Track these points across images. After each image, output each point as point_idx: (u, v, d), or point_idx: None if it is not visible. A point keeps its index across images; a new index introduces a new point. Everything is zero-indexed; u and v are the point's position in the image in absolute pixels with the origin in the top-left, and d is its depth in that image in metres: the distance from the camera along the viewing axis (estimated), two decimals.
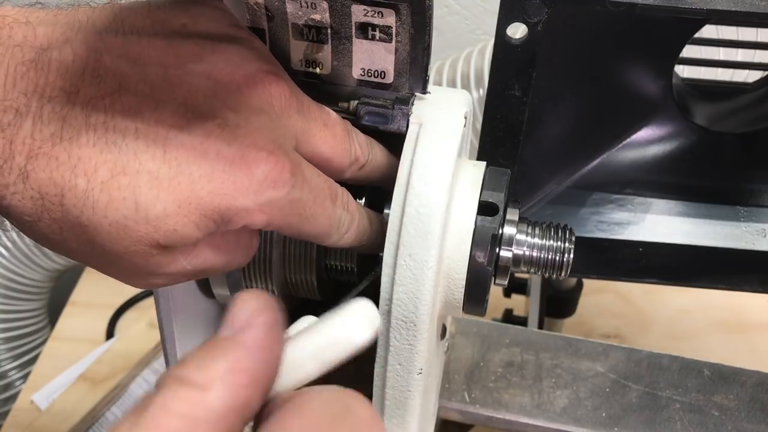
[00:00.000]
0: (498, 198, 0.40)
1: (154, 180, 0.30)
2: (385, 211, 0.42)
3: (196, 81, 0.32)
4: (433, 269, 0.37)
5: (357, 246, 0.40)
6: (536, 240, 0.42)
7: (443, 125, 0.38)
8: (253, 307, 0.25)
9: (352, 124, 0.39)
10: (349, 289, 0.47)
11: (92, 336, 1.01)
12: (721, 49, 0.71)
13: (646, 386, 0.58)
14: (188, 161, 0.30)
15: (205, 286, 0.44)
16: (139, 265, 0.31)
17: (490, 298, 0.41)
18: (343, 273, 0.44)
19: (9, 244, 0.97)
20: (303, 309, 0.35)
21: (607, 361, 0.60)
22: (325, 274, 0.44)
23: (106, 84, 0.30)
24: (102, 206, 0.29)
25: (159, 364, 0.94)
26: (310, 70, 0.40)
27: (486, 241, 0.39)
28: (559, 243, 0.42)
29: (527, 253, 0.42)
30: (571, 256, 0.42)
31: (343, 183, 0.38)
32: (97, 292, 1.06)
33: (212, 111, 0.31)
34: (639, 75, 0.57)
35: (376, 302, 0.38)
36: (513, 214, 0.42)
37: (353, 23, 0.37)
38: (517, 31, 0.46)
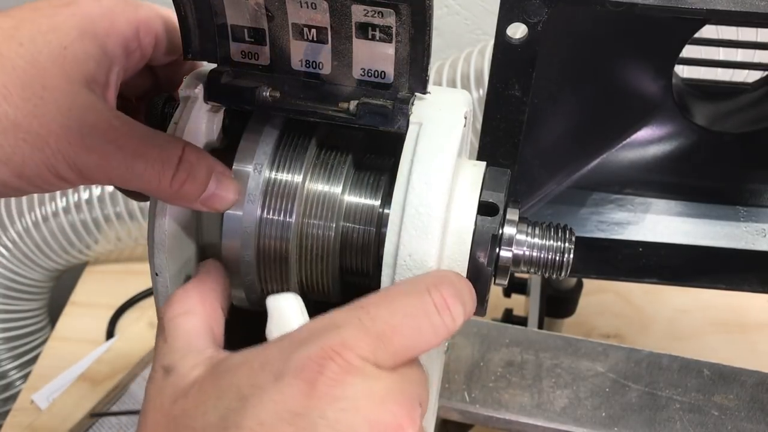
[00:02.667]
0: (498, 198, 0.40)
1: None
2: (385, 210, 0.42)
3: None
4: (433, 269, 0.37)
5: None
6: (536, 240, 0.42)
7: (443, 125, 0.38)
8: None
9: (352, 124, 0.39)
10: (366, 292, 0.46)
11: (92, 336, 1.01)
12: (721, 49, 0.71)
13: (645, 386, 0.58)
14: None
15: None
16: None
17: (490, 298, 0.41)
18: (359, 276, 0.43)
19: (9, 244, 0.97)
20: (319, 311, 0.35)
21: (607, 361, 0.60)
22: (342, 276, 0.44)
23: None
24: None
25: None
26: (310, 70, 0.40)
27: (486, 241, 0.39)
28: (559, 243, 0.42)
29: (527, 253, 0.42)
30: (571, 256, 0.42)
31: None
32: (97, 292, 1.06)
33: None
34: (639, 75, 0.57)
35: None
36: (513, 214, 0.42)
37: (353, 23, 0.37)
38: (517, 31, 0.46)
